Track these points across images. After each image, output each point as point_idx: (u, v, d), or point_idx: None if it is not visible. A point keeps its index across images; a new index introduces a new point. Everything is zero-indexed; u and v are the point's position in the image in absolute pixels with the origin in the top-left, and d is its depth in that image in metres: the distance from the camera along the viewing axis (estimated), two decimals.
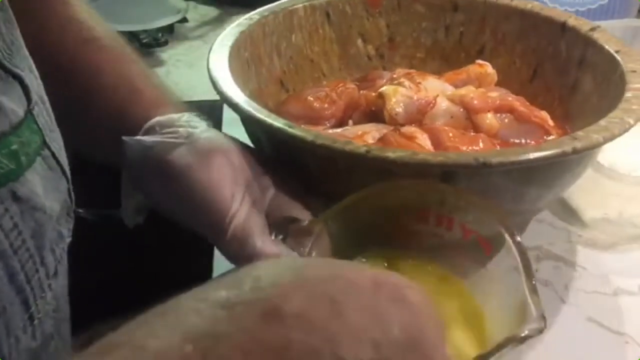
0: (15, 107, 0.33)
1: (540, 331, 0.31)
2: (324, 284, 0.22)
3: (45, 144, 0.36)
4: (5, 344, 0.33)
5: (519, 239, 0.35)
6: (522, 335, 0.30)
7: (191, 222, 0.45)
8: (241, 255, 0.42)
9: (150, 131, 0.46)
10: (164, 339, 0.20)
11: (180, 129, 0.46)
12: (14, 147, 0.33)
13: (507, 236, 0.35)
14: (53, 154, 0.37)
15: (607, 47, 0.54)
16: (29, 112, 0.35)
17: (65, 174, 0.39)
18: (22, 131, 0.34)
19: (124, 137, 0.46)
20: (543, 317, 0.31)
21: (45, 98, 0.38)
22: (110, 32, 0.53)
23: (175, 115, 0.47)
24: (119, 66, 0.50)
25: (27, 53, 0.37)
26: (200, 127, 0.46)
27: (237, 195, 0.43)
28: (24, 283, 0.34)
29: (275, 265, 0.23)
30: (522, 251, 0.35)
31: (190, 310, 0.21)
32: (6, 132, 0.32)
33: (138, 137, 0.46)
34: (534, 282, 0.33)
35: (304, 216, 0.44)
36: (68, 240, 0.39)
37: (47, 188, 0.36)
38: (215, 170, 0.43)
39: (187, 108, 0.49)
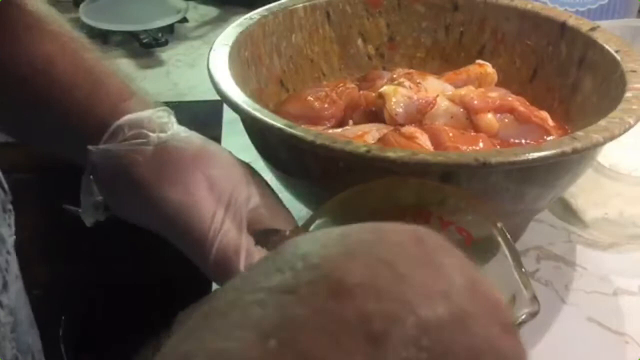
0: None
1: (534, 314, 0.31)
2: (373, 249, 0.21)
3: None
4: None
5: (500, 224, 0.35)
6: (518, 321, 0.30)
7: (171, 241, 0.42)
8: (225, 278, 0.40)
9: (118, 133, 0.43)
10: (241, 340, 0.19)
11: (151, 134, 0.42)
12: None
13: (490, 224, 0.35)
14: None
15: (607, 47, 0.54)
16: None
17: None
18: None
19: (89, 147, 0.42)
20: (535, 299, 0.31)
21: None
22: (52, 13, 0.46)
23: (144, 114, 0.43)
24: (73, 57, 0.44)
25: None
26: (171, 130, 0.43)
27: (217, 215, 0.41)
28: None
29: (314, 239, 0.22)
30: (506, 237, 0.35)
31: (252, 304, 0.20)
32: None
33: (104, 146, 0.43)
34: (522, 268, 0.33)
35: (286, 226, 0.42)
36: (11, 238, 0.37)
37: None
38: (191, 187, 0.41)
39: (153, 102, 0.46)
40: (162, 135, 0.43)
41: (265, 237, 0.42)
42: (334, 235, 0.22)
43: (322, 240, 0.22)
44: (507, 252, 0.34)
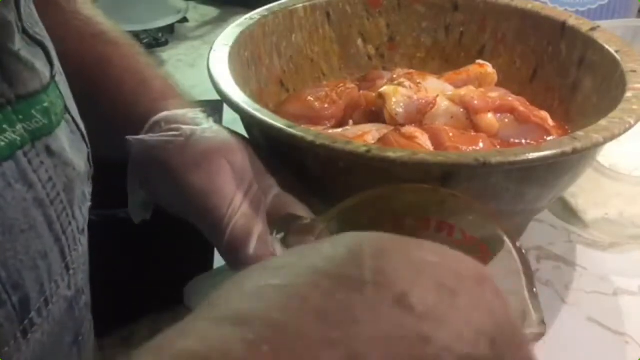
0: (42, 70, 0.36)
1: (540, 336, 0.31)
2: (438, 272, 0.22)
3: (66, 109, 0.38)
4: (47, 286, 0.35)
5: (519, 244, 0.35)
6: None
7: (194, 222, 0.45)
8: (236, 261, 0.42)
9: (155, 127, 0.47)
10: (296, 318, 0.20)
11: (184, 127, 0.45)
12: (46, 104, 0.35)
13: (507, 240, 0.35)
14: (73, 119, 0.39)
15: (607, 47, 0.54)
16: (52, 77, 0.37)
17: (84, 139, 0.41)
18: (49, 92, 0.36)
19: (128, 137, 0.46)
20: (543, 323, 0.31)
21: (62, 70, 0.39)
22: (116, 27, 0.54)
23: (180, 111, 0.47)
24: (126, 59, 0.51)
25: (42, 25, 0.38)
26: (203, 125, 0.46)
27: (235, 199, 0.43)
28: (60, 233, 0.36)
29: (379, 241, 0.23)
30: (523, 256, 0.35)
31: (308, 285, 0.21)
32: (39, 91, 0.35)
33: (141, 137, 0.46)
34: (534, 289, 0.33)
35: (306, 215, 0.44)
36: (89, 204, 0.41)
37: (72, 148, 0.38)
38: (213, 174, 0.43)
39: (193, 103, 0.49)
40: (195, 128, 0.46)
41: (285, 223, 0.43)
42: (395, 242, 0.23)
43: (384, 245, 0.23)
44: (520, 269, 0.34)
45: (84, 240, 0.40)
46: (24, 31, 0.35)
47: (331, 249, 0.22)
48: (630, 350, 0.50)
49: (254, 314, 0.20)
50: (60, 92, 0.38)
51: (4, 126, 0.32)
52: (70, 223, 0.37)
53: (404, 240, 0.23)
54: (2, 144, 0.32)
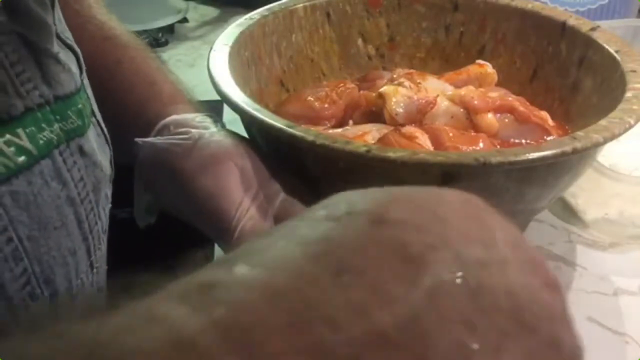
0: (76, 72, 0.37)
1: None
2: (419, 197, 0.22)
3: (93, 112, 0.39)
4: (74, 283, 0.36)
5: None
6: None
7: (200, 226, 0.45)
8: None
9: (164, 129, 0.47)
10: (284, 248, 0.20)
11: (193, 130, 0.46)
12: (80, 106, 0.36)
13: None
14: (99, 122, 0.40)
15: (607, 47, 0.54)
16: (82, 80, 0.38)
17: (107, 142, 0.41)
18: (81, 94, 0.37)
19: (136, 139, 0.46)
20: None
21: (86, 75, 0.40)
22: (128, 31, 0.54)
23: (190, 115, 0.47)
24: (137, 62, 0.51)
25: (70, 31, 0.39)
26: (212, 129, 0.46)
27: (243, 202, 0.43)
28: (88, 232, 0.36)
29: (362, 192, 0.23)
30: None
31: (294, 226, 0.21)
32: (74, 92, 0.36)
33: (150, 139, 0.46)
34: None
35: None
36: (109, 206, 0.41)
37: (99, 150, 0.39)
38: (222, 177, 0.44)
39: (201, 108, 0.50)
40: (203, 131, 0.46)
41: None
42: (383, 190, 0.22)
43: (370, 193, 0.22)
44: None
45: (105, 240, 0.41)
46: (57, 36, 0.36)
47: (315, 206, 0.22)
48: (630, 350, 0.50)
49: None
50: (87, 95, 0.39)
51: (43, 125, 0.33)
52: (96, 222, 0.38)
53: (388, 188, 0.23)
54: (41, 142, 0.33)
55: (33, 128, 0.32)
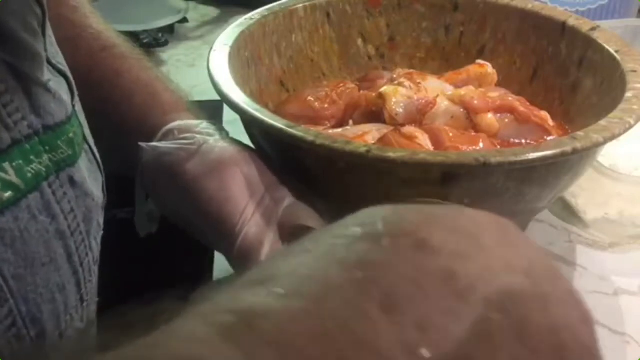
0: (67, 100, 0.36)
1: None
2: (455, 218, 0.21)
3: (84, 138, 0.38)
4: (63, 319, 0.35)
5: None
6: None
7: (201, 232, 0.45)
8: (247, 270, 0.42)
9: (168, 135, 0.47)
10: (325, 269, 0.19)
11: (197, 136, 0.45)
12: (70, 135, 0.35)
13: None
14: (91, 148, 0.39)
15: (607, 47, 0.54)
16: (73, 106, 0.37)
17: (100, 168, 0.41)
18: (72, 122, 0.36)
19: (140, 143, 0.46)
20: None
21: (78, 98, 0.39)
22: (125, 42, 0.54)
23: (193, 122, 0.47)
24: (136, 72, 0.51)
25: (62, 55, 0.38)
26: (216, 136, 0.46)
27: (247, 208, 0.43)
28: (78, 265, 0.35)
29: (394, 209, 0.22)
30: None
31: (333, 245, 0.20)
32: (64, 121, 0.35)
33: (154, 144, 0.46)
34: None
35: (318, 225, 0.43)
36: (102, 233, 0.41)
37: (90, 178, 0.38)
38: (226, 182, 0.43)
39: (202, 115, 0.50)
40: (208, 138, 0.46)
41: (297, 234, 0.43)
42: (410, 207, 0.22)
43: (401, 210, 0.22)
44: None
45: (97, 271, 0.40)
46: (48, 61, 0.35)
47: (347, 220, 0.22)
48: (630, 350, 0.50)
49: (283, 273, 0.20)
50: (79, 122, 0.38)
51: (31, 157, 0.32)
52: (87, 254, 0.37)
53: (416, 205, 0.22)
54: (29, 175, 0.31)
55: (20, 161, 0.31)
